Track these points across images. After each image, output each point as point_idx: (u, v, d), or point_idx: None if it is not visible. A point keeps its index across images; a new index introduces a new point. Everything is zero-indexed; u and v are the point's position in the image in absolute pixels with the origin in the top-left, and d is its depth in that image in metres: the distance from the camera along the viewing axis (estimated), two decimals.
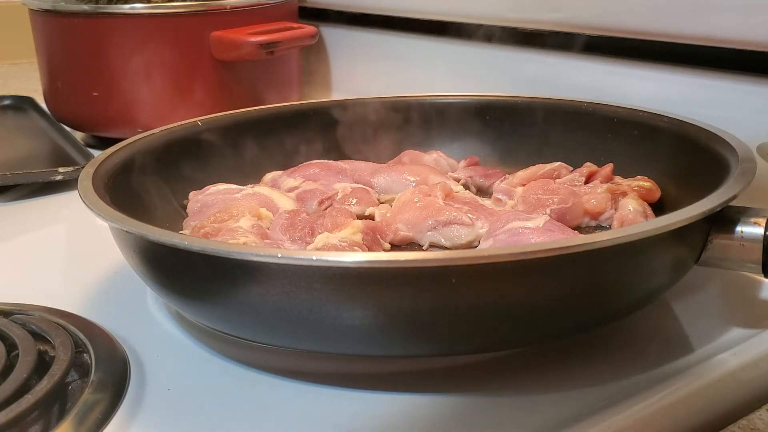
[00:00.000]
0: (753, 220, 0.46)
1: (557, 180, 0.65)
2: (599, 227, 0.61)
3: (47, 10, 0.89)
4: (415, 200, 0.60)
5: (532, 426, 0.41)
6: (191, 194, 0.64)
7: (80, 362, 0.47)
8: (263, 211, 0.59)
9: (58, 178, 0.78)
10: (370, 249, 0.55)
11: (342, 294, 0.40)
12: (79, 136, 0.95)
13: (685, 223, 0.43)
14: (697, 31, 0.69)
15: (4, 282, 0.60)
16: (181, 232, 0.60)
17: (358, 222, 0.56)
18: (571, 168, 0.67)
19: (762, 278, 0.47)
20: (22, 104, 1.09)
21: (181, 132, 0.67)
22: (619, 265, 0.42)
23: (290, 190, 0.67)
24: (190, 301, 0.47)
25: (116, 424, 0.42)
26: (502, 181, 0.67)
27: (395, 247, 0.59)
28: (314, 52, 1.11)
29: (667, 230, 0.42)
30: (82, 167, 0.58)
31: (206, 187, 0.64)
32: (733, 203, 0.46)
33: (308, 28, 0.93)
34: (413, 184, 0.66)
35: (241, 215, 0.57)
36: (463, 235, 0.58)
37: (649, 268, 0.44)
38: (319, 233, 0.56)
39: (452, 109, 0.75)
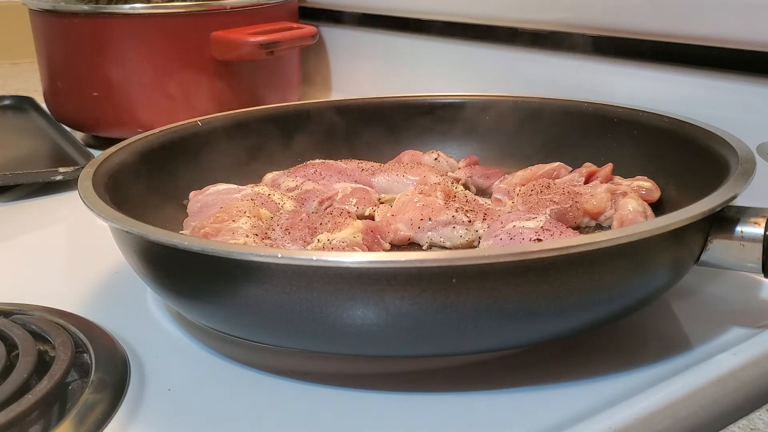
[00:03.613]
0: (753, 220, 0.46)
1: (557, 180, 0.65)
2: (599, 227, 0.61)
3: (47, 10, 0.89)
4: (415, 200, 0.60)
5: (532, 426, 0.41)
6: (191, 194, 0.64)
7: (80, 362, 0.47)
8: (263, 211, 0.59)
9: (58, 178, 0.78)
10: (370, 249, 0.55)
11: (342, 294, 0.40)
12: (79, 136, 0.95)
13: (685, 223, 0.43)
14: (697, 31, 0.69)
15: (4, 282, 0.60)
16: (181, 232, 0.60)
17: (359, 222, 0.56)
18: (571, 168, 0.67)
19: (762, 278, 0.47)
20: (22, 104, 1.09)
21: (181, 132, 0.67)
22: (619, 265, 0.42)
23: (290, 190, 0.67)
24: (190, 301, 0.47)
25: (116, 424, 0.42)
26: (502, 181, 0.67)
27: (395, 247, 0.59)
28: (314, 52, 1.11)
29: (667, 230, 0.42)
30: (82, 167, 0.58)
31: (206, 187, 0.64)
32: (733, 203, 0.46)
33: (308, 28, 0.93)
34: (413, 184, 0.66)
35: (241, 215, 0.57)
36: (462, 235, 0.58)
37: (649, 269, 0.44)
38: (319, 233, 0.56)
39: (452, 109, 0.75)
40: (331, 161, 0.71)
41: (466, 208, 0.60)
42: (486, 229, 0.57)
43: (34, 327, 0.48)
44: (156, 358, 0.48)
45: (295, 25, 0.94)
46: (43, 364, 0.44)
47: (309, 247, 0.55)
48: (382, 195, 0.68)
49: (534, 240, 0.52)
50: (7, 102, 1.10)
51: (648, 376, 0.45)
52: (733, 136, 0.55)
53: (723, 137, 0.55)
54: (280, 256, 0.40)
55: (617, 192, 0.60)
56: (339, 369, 0.46)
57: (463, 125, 0.75)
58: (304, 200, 0.65)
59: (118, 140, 0.62)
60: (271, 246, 0.55)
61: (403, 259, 0.40)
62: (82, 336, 0.49)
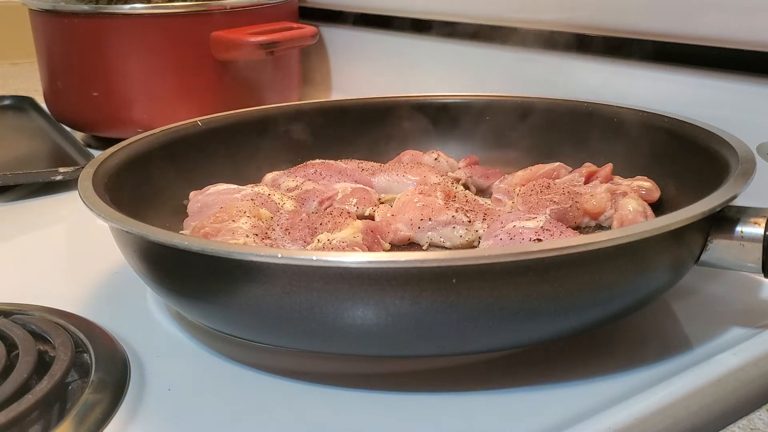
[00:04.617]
0: (753, 220, 0.46)
1: (557, 180, 0.65)
2: (599, 227, 0.61)
3: (47, 10, 0.89)
4: (415, 200, 0.60)
5: (532, 426, 0.41)
6: (191, 194, 0.64)
7: (80, 362, 0.47)
8: (263, 211, 0.59)
9: (58, 178, 0.78)
10: (370, 249, 0.55)
11: (342, 294, 0.40)
12: (79, 136, 0.95)
13: (685, 223, 0.43)
14: (697, 31, 0.69)
15: (4, 282, 0.60)
16: (181, 232, 0.60)
17: (359, 222, 0.56)
18: (571, 168, 0.67)
19: (762, 278, 0.47)
20: (22, 104, 1.09)
21: (181, 132, 0.67)
22: (619, 265, 0.42)
23: (290, 190, 0.67)
24: (190, 301, 0.47)
25: (116, 424, 0.42)
26: (501, 181, 0.67)
27: (395, 247, 0.59)
28: (314, 52, 1.11)
29: (667, 230, 0.42)
30: (82, 167, 0.58)
31: (206, 187, 0.64)
32: (733, 203, 0.46)
33: (308, 28, 0.93)
34: (413, 184, 0.66)
35: (241, 215, 0.57)
36: (462, 235, 0.58)
37: (649, 269, 0.44)
38: (319, 233, 0.56)
39: (452, 109, 0.75)
40: (331, 161, 0.71)
41: (466, 208, 0.60)
42: (486, 229, 0.57)
43: (34, 327, 0.48)
44: (156, 358, 0.48)
45: (295, 25, 0.94)
46: (43, 364, 0.44)
47: (309, 247, 0.55)
48: (382, 195, 0.68)
49: (534, 240, 0.52)
50: (7, 102, 1.10)
51: (648, 376, 0.45)
52: (733, 136, 0.55)
53: (723, 137, 0.55)
54: (280, 256, 0.40)
55: (617, 192, 0.60)
56: (339, 369, 0.46)
57: (463, 125, 0.75)
58: (304, 200, 0.65)
59: (118, 140, 0.62)
60: (271, 246, 0.55)
61: (403, 259, 0.40)
62: (82, 336, 0.49)
